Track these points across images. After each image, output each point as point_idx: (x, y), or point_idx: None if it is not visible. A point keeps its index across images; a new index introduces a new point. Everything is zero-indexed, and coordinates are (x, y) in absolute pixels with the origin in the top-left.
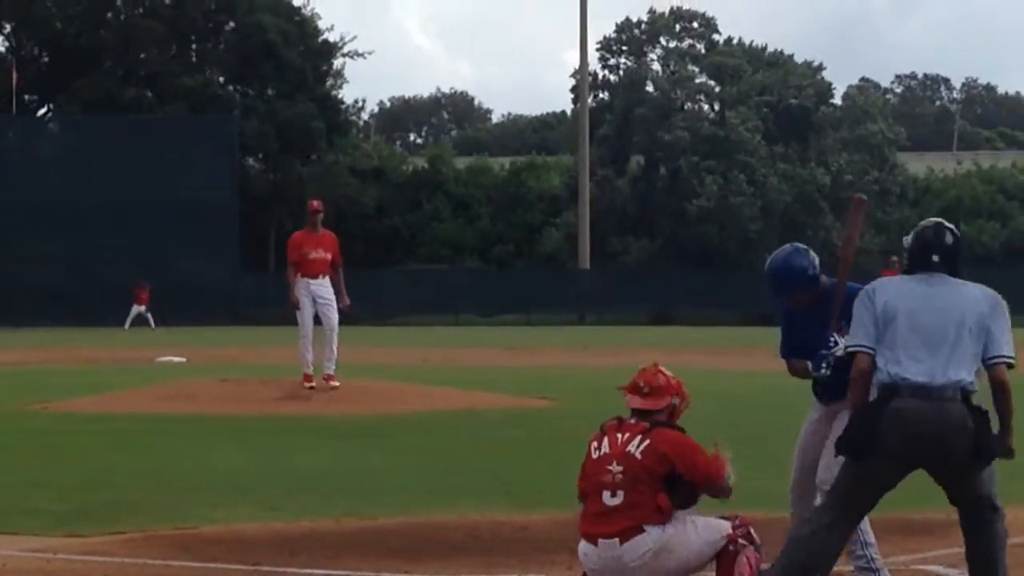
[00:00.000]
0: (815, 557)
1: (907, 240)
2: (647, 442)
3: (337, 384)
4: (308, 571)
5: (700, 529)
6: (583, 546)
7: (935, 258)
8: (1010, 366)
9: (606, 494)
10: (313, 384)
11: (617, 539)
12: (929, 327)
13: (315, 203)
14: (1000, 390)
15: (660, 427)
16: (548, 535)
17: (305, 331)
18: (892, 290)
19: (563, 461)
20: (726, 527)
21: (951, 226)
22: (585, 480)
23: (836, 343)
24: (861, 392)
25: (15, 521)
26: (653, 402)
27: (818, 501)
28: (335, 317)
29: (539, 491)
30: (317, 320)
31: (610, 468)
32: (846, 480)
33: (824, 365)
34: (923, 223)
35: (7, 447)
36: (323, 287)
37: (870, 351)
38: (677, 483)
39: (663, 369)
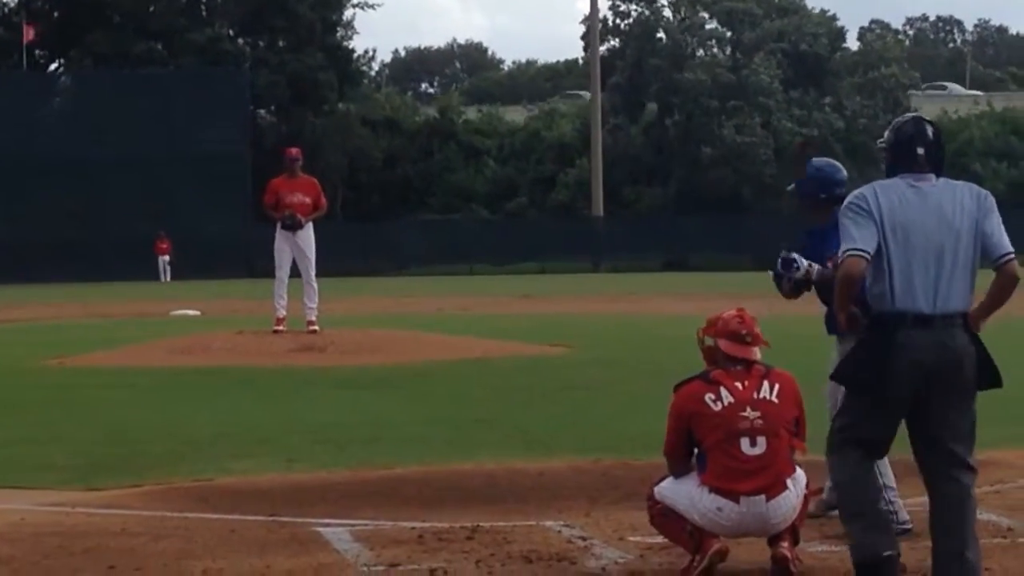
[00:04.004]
0: (870, 493)
1: (883, 140)
2: (777, 386)
3: (317, 328)
4: (325, 521)
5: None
6: (716, 500)
7: (920, 151)
8: (1012, 258)
9: (745, 442)
10: (283, 328)
11: (764, 496)
12: (930, 247)
13: (293, 151)
14: (1012, 284)
15: (775, 369)
16: (565, 482)
17: (280, 275)
18: (887, 200)
19: (579, 408)
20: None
21: (930, 120)
22: (712, 432)
23: (799, 267)
24: (849, 295)
25: (33, 476)
26: (752, 352)
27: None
28: (312, 270)
29: (555, 438)
30: (295, 271)
31: (745, 415)
32: (857, 418)
33: (784, 273)
34: (899, 118)
35: (24, 402)
36: (301, 237)
37: (866, 256)
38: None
39: (752, 315)
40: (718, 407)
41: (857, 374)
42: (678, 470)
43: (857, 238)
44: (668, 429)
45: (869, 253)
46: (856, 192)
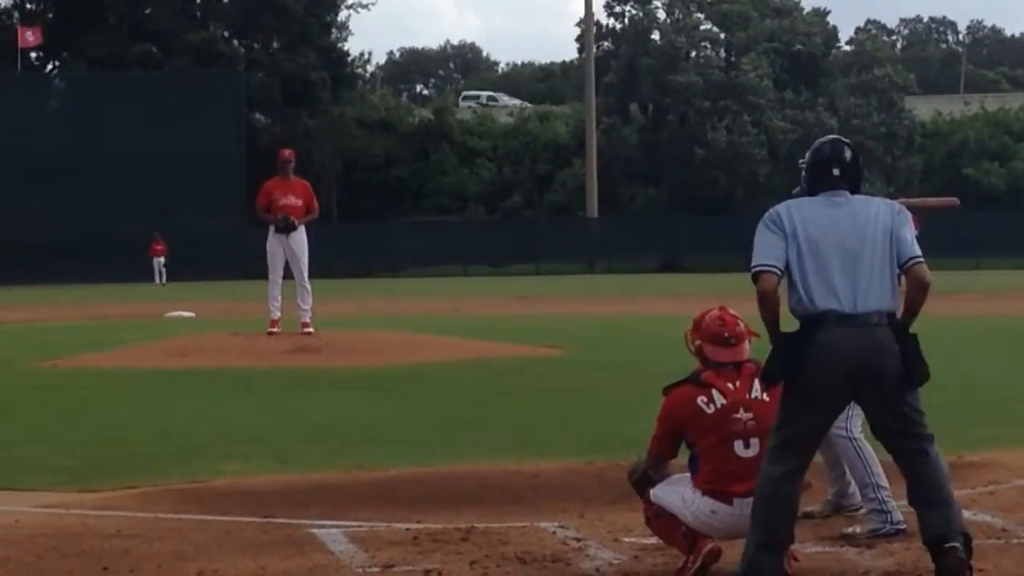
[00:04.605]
0: (784, 509)
1: (803, 161)
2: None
3: (312, 331)
4: (319, 523)
5: None
6: (709, 503)
7: (835, 171)
8: (920, 262)
9: (738, 444)
10: (277, 330)
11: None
12: (844, 251)
13: (286, 152)
14: (920, 288)
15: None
16: (559, 483)
17: (274, 277)
18: (800, 214)
19: (573, 409)
20: None
21: (848, 141)
22: (706, 436)
23: None
24: (771, 311)
25: (27, 477)
26: (741, 352)
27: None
28: (305, 272)
29: (549, 439)
30: (288, 273)
31: (738, 416)
32: (787, 422)
33: None
34: (819, 140)
35: (18, 404)
36: (294, 240)
37: (776, 271)
38: None
39: (734, 313)
40: (711, 410)
41: (775, 369)
42: (658, 470)
43: (764, 254)
44: (657, 431)
45: (779, 268)
46: (770, 210)
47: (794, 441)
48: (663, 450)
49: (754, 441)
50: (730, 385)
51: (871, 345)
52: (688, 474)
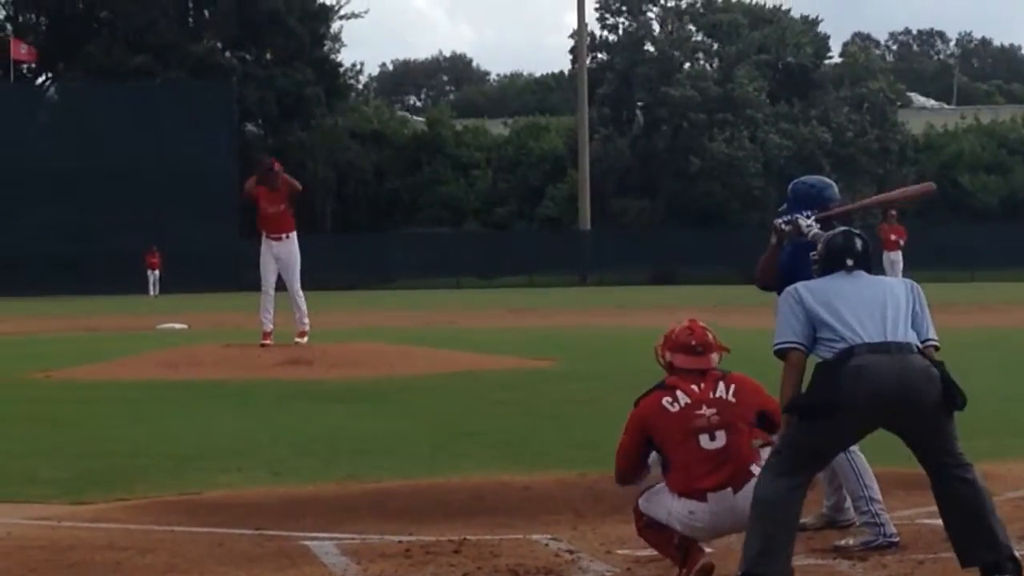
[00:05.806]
0: (786, 519)
1: (816, 253)
2: (733, 387)
3: (305, 341)
4: (312, 535)
5: None
6: (686, 504)
7: (849, 262)
8: (936, 349)
9: (703, 438)
10: (270, 342)
11: (730, 488)
12: (866, 305)
13: (276, 164)
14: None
15: (732, 373)
16: (552, 495)
17: (266, 288)
18: (817, 287)
19: (565, 421)
20: None
21: (859, 232)
22: (672, 434)
23: (809, 217)
24: (794, 385)
25: (19, 489)
26: (708, 361)
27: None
28: (297, 282)
29: (542, 452)
30: (281, 283)
31: (702, 412)
32: (803, 441)
33: (784, 222)
34: (829, 233)
35: (10, 416)
36: (284, 250)
37: (802, 348)
38: (764, 423)
39: (703, 324)
40: (675, 408)
41: (810, 402)
42: (627, 477)
43: (789, 331)
44: (624, 441)
45: (805, 345)
46: (789, 288)
47: (808, 459)
48: (631, 460)
49: (719, 433)
50: (694, 387)
51: (906, 370)
52: (665, 482)
